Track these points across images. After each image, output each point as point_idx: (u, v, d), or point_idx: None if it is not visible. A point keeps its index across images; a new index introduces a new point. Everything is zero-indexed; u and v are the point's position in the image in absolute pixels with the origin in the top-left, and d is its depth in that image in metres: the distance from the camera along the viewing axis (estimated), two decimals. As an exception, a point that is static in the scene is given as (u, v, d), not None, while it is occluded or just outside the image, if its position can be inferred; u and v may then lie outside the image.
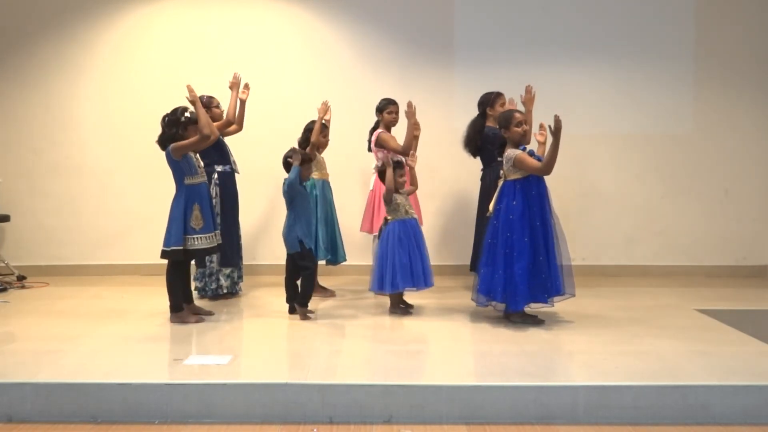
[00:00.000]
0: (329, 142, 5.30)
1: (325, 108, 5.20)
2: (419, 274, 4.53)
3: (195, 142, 4.25)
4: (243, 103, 5.19)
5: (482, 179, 5.24)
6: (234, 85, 5.16)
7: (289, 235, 4.53)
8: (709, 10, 6.23)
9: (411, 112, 4.98)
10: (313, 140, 5.07)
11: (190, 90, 4.26)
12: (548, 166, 4.09)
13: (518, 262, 4.12)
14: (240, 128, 5.24)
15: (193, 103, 4.26)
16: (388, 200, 4.58)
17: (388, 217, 4.63)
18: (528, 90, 4.91)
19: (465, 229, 5.88)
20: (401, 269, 4.48)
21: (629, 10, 6.25)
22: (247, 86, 5.19)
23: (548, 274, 4.15)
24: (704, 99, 6.27)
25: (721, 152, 6.31)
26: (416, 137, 4.98)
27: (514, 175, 4.21)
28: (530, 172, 4.16)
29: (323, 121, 5.18)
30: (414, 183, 4.79)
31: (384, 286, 4.54)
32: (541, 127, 4.29)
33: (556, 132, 3.96)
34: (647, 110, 6.29)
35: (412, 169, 4.74)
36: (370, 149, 5.32)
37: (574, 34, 6.26)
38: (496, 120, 4.72)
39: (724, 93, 6.28)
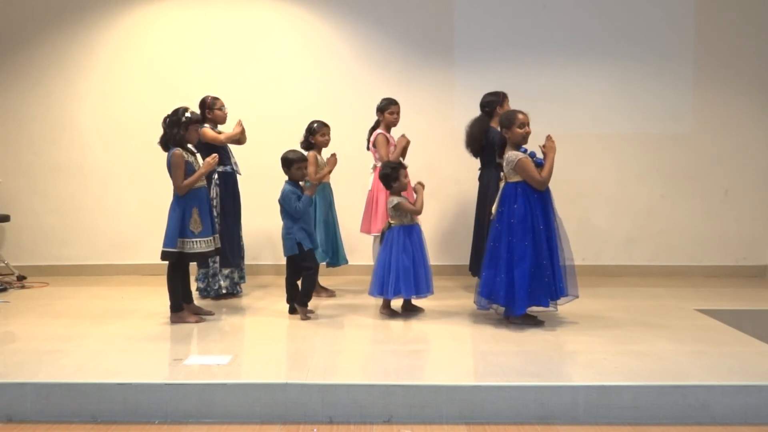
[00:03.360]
0: (329, 142, 5.28)
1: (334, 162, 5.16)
2: (422, 281, 4.51)
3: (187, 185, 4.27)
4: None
5: (480, 179, 5.23)
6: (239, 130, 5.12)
7: (286, 238, 4.53)
8: (709, 10, 6.23)
9: (404, 145, 5.18)
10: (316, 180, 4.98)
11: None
12: (545, 182, 4.16)
13: (519, 266, 4.10)
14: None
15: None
16: (402, 210, 4.50)
17: (392, 222, 4.55)
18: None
19: (464, 230, 5.87)
20: (404, 275, 4.44)
21: (629, 10, 6.26)
22: (240, 123, 5.13)
23: (552, 278, 4.13)
24: (704, 99, 6.27)
25: (721, 152, 6.31)
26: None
27: (515, 178, 4.19)
28: (527, 180, 4.15)
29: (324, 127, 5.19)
30: (420, 207, 4.60)
31: (386, 292, 4.49)
32: (548, 138, 4.25)
33: (549, 152, 4.16)
34: (647, 110, 6.29)
35: (420, 193, 4.60)
36: (368, 147, 5.32)
37: (575, 33, 6.25)
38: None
39: (724, 93, 6.28)
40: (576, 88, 6.26)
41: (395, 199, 4.51)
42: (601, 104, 6.29)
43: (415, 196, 4.57)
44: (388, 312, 4.63)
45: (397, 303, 4.73)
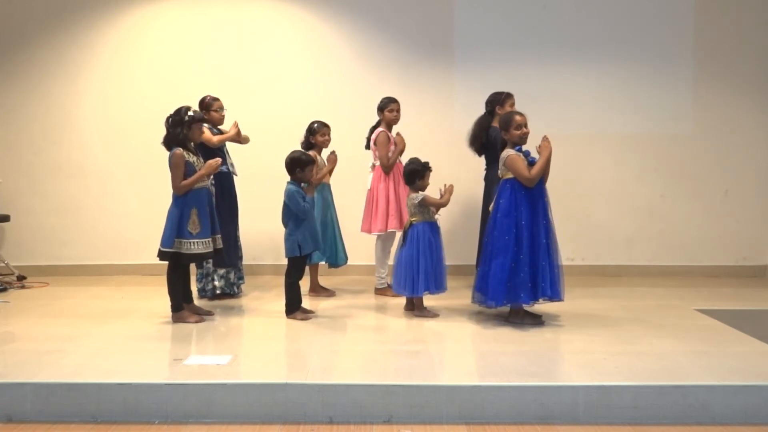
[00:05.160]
0: (329, 142, 5.28)
1: (334, 159, 5.16)
2: (440, 278, 4.51)
3: (188, 184, 4.26)
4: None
5: (485, 178, 5.23)
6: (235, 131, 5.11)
7: (288, 239, 4.50)
8: (709, 10, 6.23)
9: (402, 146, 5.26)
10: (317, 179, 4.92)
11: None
12: (534, 180, 4.15)
13: (495, 258, 4.15)
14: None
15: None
16: (427, 204, 4.54)
17: (413, 220, 4.57)
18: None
19: (465, 230, 5.89)
20: (433, 272, 4.47)
21: (629, 10, 6.26)
22: (236, 124, 5.12)
23: (530, 275, 4.13)
24: (704, 99, 6.28)
25: (721, 152, 6.31)
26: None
27: (507, 174, 4.24)
28: (516, 176, 4.17)
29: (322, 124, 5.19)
30: (445, 201, 4.66)
31: (417, 289, 4.50)
32: (544, 139, 4.27)
33: (543, 151, 4.16)
34: (647, 110, 6.29)
35: (449, 193, 4.63)
36: (368, 147, 5.32)
37: (575, 34, 6.25)
38: None
39: (724, 93, 6.28)
40: (576, 88, 6.27)
41: (420, 195, 4.54)
42: (601, 104, 6.29)
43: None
44: (428, 313, 4.58)
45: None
